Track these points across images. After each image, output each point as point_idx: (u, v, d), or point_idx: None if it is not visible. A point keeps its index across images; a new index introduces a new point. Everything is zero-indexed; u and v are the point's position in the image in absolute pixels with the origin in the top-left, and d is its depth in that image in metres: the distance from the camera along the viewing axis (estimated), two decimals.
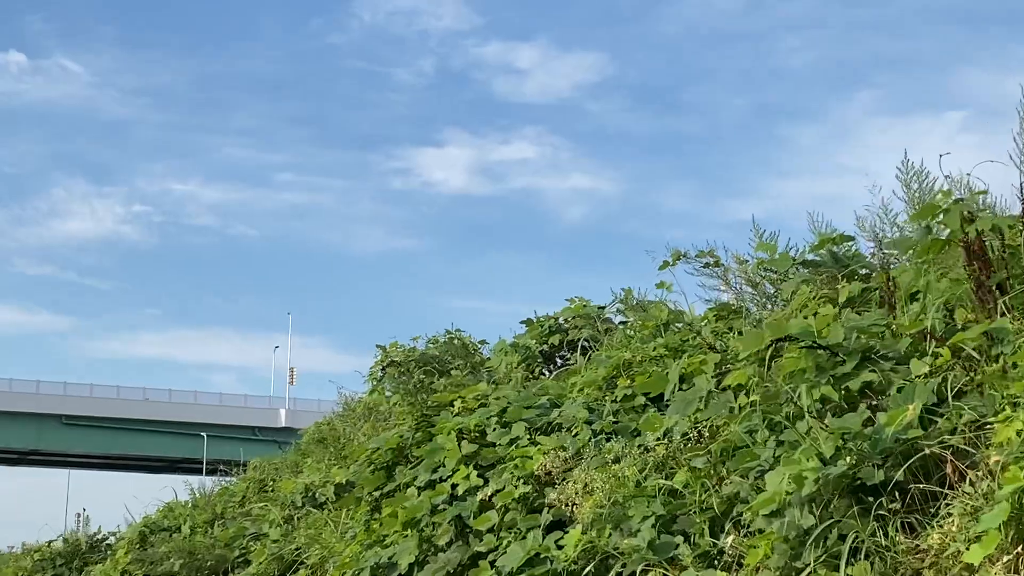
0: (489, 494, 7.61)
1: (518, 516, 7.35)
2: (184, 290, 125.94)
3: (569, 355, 10.95)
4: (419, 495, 8.03)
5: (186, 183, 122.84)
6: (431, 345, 13.14)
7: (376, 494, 8.55)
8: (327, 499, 11.54)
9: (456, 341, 13.19)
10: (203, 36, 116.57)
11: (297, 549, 10.51)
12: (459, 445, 7.98)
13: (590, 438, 7.53)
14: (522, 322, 11.12)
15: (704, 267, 9.15)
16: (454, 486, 7.87)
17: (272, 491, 14.53)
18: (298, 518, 11.38)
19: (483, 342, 13.20)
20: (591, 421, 7.82)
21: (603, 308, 11.11)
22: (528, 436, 7.81)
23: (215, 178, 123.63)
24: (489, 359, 13.10)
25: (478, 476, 7.79)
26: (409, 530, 7.92)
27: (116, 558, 13.71)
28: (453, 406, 8.52)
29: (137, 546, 13.65)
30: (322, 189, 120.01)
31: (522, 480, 7.46)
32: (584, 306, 11.05)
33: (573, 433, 7.73)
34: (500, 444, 7.87)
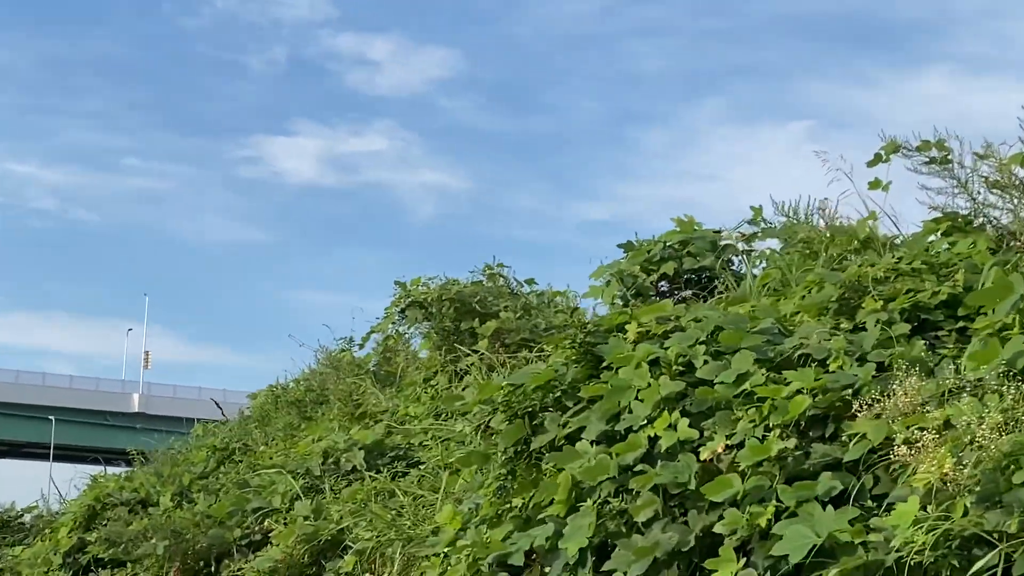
0: (719, 449, 5.28)
1: (772, 481, 5.05)
2: (23, 274, 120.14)
3: (682, 289, 8.67)
4: (593, 452, 5.66)
5: (26, 164, 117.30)
6: (463, 284, 10.72)
7: (511, 452, 6.14)
8: (356, 466, 9.10)
9: (499, 279, 10.79)
10: (48, 15, 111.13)
11: (340, 528, 8.05)
12: (657, 381, 5.63)
13: (873, 372, 5.27)
14: (620, 246, 8.79)
15: (928, 163, 6.93)
16: (652, 439, 5.52)
17: (244, 460, 12.02)
18: (329, 488, 8.91)
19: (530, 281, 10.83)
20: (851, 351, 5.56)
21: (719, 232, 8.84)
22: (763, 372, 5.50)
23: (57, 160, 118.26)
24: (536, 293, 10.76)
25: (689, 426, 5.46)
26: (586, 501, 5.56)
27: (56, 538, 11.05)
28: (624, 331, 6.15)
29: (82, 524, 11.00)
30: (169, 176, 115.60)
31: (781, 428, 5.16)
32: (697, 228, 8.76)
33: (828, 368, 5.46)
34: (721, 382, 5.53)
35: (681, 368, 5.73)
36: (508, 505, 6.13)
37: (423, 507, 7.64)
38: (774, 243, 8.40)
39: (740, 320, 5.85)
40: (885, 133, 6.88)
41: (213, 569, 9.16)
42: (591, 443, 5.72)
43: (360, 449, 9.19)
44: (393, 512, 7.80)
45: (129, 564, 10.51)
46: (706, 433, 5.43)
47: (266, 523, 9.09)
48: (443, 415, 9.44)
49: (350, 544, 7.93)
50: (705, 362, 5.68)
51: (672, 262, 8.53)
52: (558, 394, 6.08)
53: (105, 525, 10.39)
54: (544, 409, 6.08)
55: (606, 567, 5.40)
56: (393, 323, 10.97)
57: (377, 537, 7.64)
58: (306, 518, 8.17)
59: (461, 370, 10.18)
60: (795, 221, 7.77)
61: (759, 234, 8.57)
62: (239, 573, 8.86)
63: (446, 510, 6.71)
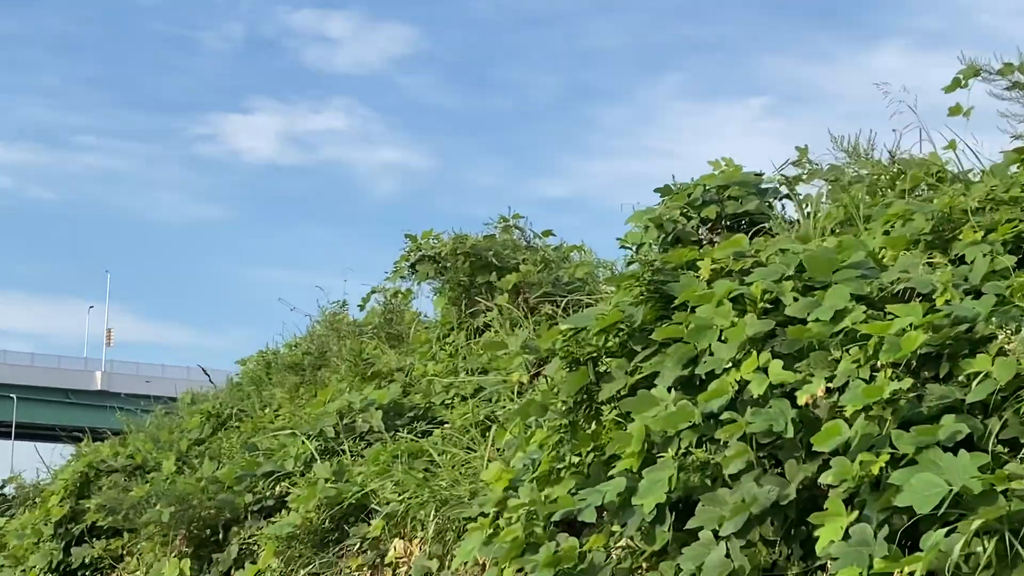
0: (819, 392, 4.76)
1: (884, 427, 4.53)
2: None
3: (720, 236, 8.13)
4: (671, 398, 5.12)
5: None
6: (476, 237, 10.13)
7: (570, 403, 5.58)
8: (373, 427, 8.54)
9: (516, 230, 10.22)
10: None
11: (363, 491, 7.49)
12: (742, 320, 5.09)
13: (995, 304, 4.75)
14: (656, 190, 8.22)
15: (1011, 87, 6.41)
16: (741, 384, 4.99)
17: (241, 425, 11.44)
18: (347, 450, 8.34)
19: (547, 232, 10.26)
20: (958, 284, 5.04)
21: (760, 175, 8.29)
22: (862, 308, 4.96)
23: (11, 138, 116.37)
24: (552, 247, 10.20)
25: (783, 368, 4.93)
26: (662, 453, 5.03)
27: (47, 507, 10.43)
28: (696, 268, 5.59)
29: (74, 493, 10.40)
30: (126, 153, 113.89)
31: (891, 368, 4.63)
32: (738, 171, 8.21)
33: (933, 304, 4.94)
34: (816, 319, 5.00)
35: (766, 306, 5.19)
36: (565, 461, 5.60)
37: (457, 467, 7.09)
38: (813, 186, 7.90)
39: (828, 254, 5.31)
40: (965, 56, 6.35)
41: (221, 537, 8.58)
42: (667, 390, 5.18)
43: (378, 409, 8.62)
44: (424, 473, 7.25)
45: (126, 533, 9.95)
46: (800, 376, 4.90)
47: (278, 488, 8.53)
48: (466, 372, 8.89)
49: (376, 507, 7.38)
50: (795, 299, 5.14)
51: (714, 206, 7.98)
52: (623, 338, 5.53)
53: (101, 492, 9.79)
54: (609, 355, 5.53)
55: (691, 524, 4.88)
56: (403, 277, 10.38)
57: (408, 499, 7.09)
58: (327, 481, 7.59)
59: (478, 327, 9.63)
60: (855, 158, 7.24)
61: (805, 175, 8.02)
62: (251, 540, 8.29)
63: (493, 468, 6.16)
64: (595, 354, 5.50)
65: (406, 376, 9.48)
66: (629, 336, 5.46)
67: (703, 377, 5.12)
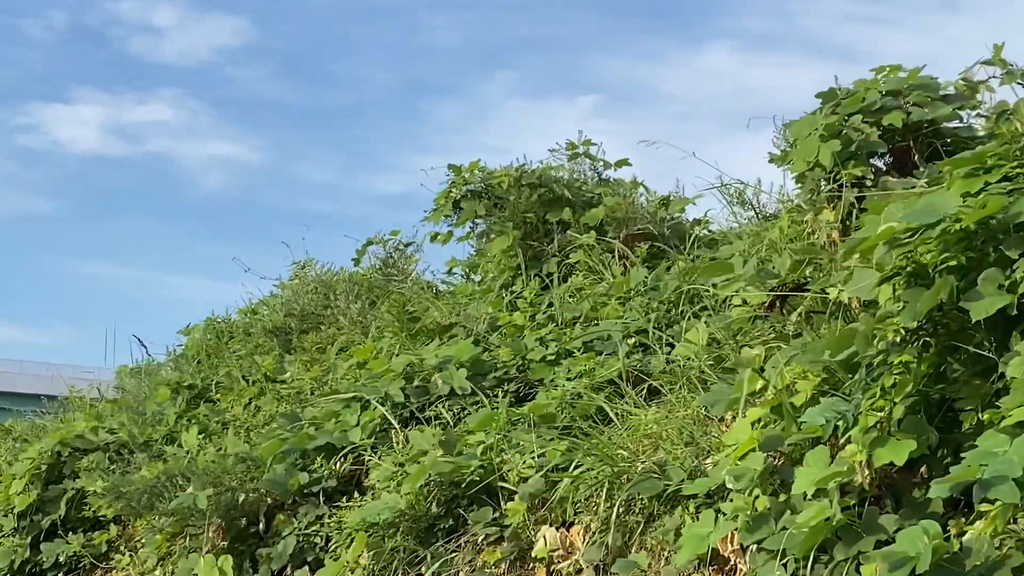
0: None
1: None
2: None
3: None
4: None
5: None
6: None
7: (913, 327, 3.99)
8: (455, 388, 6.86)
9: (584, 157, 8.59)
10: None
11: (490, 465, 5.83)
12: None
13: None
14: (818, 95, 6.67)
15: None
16: None
17: (221, 398, 9.63)
18: (433, 418, 6.66)
19: (623, 161, 8.64)
20: None
21: (935, 79, 6.81)
22: None
23: None
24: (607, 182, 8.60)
25: None
26: None
27: (7, 495, 8.51)
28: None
29: (42, 477, 8.50)
30: None
31: None
32: (916, 73, 6.72)
33: None
34: None
35: None
36: (892, 411, 4.01)
37: (634, 431, 5.46)
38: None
39: None
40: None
41: (263, 527, 6.83)
42: None
43: (460, 367, 6.93)
44: (568, 441, 5.62)
45: (112, 526, 8.11)
46: None
47: (339, 465, 6.80)
48: (561, 322, 7.27)
49: (505, 486, 5.72)
50: None
51: (897, 112, 6.47)
52: (980, 240, 3.96)
53: (89, 474, 7.92)
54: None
55: None
56: (447, 216, 8.68)
57: (561, 475, 5.45)
58: (438, 453, 5.90)
59: (549, 273, 8.01)
60: None
61: (1005, 76, 6.56)
62: (309, 531, 6.56)
63: (738, 428, 4.55)
64: (948, 262, 3.92)
65: (469, 331, 7.80)
66: (998, 237, 3.90)
67: None
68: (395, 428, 6.66)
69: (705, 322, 6.09)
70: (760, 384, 4.57)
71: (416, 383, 7.04)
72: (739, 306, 5.60)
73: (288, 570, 6.52)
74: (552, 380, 6.70)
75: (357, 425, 6.86)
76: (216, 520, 6.71)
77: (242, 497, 6.77)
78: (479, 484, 5.82)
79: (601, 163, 8.56)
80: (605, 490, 5.25)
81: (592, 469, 5.29)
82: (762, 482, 4.33)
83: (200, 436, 8.31)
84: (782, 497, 4.32)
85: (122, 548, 7.99)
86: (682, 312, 6.61)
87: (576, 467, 5.42)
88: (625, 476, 5.23)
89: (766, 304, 5.36)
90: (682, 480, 4.97)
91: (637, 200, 8.06)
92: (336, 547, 6.31)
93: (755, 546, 4.38)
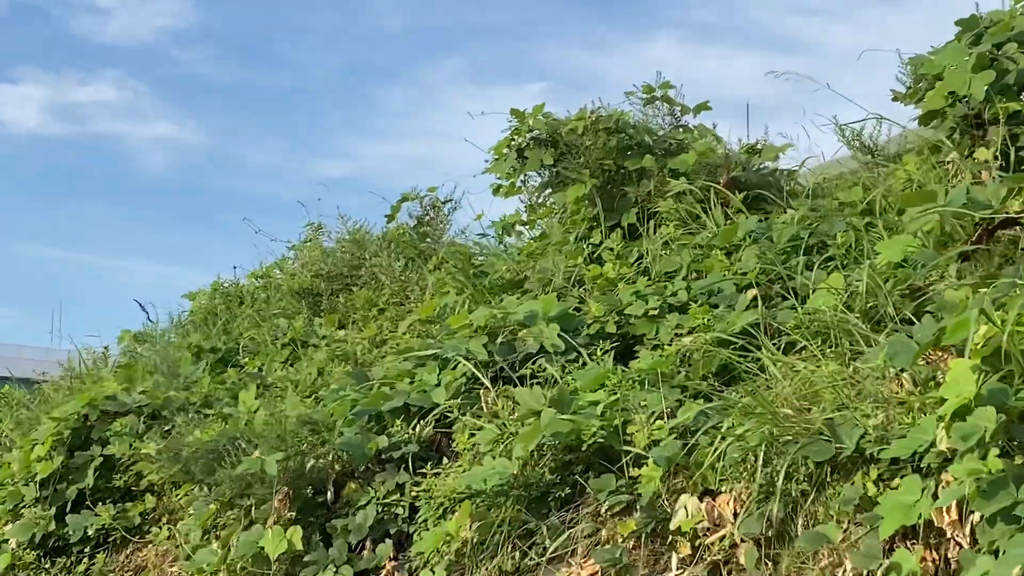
0: None
1: None
2: None
3: None
4: None
5: None
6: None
7: None
8: (547, 346, 6.20)
9: (663, 102, 7.92)
10: None
11: (611, 426, 5.17)
12: None
13: None
14: (958, 22, 6.03)
15: None
16: None
17: (248, 361, 8.98)
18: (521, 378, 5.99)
19: (703, 106, 7.97)
20: None
21: None
22: None
23: None
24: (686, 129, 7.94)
25: None
26: None
27: (28, 461, 7.79)
28: None
29: (67, 444, 7.78)
30: None
31: None
32: None
33: None
34: None
35: None
36: None
37: (798, 385, 4.81)
38: None
39: None
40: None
41: (332, 497, 6.16)
42: None
43: (550, 323, 6.27)
44: (757, 400, 4.98)
45: (149, 496, 7.43)
46: None
47: (419, 429, 6.14)
48: (656, 276, 6.62)
49: (631, 449, 5.08)
50: None
51: None
52: None
53: (106, 443, 7.23)
54: None
55: None
56: (513, 168, 7.98)
57: (736, 432, 4.80)
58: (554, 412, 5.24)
59: (630, 225, 7.36)
60: None
61: None
62: (391, 501, 5.89)
63: (957, 379, 3.91)
64: None
65: (544, 284, 7.14)
66: None
67: None
68: (486, 387, 5.99)
69: (847, 270, 5.46)
70: (979, 328, 3.92)
71: (500, 340, 6.37)
72: (916, 247, 4.96)
73: (367, 543, 5.85)
74: (655, 336, 6.07)
75: (438, 385, 6.19)
76: (283, 488, 6.02)
77: (310, 463, 6.08)
78: (598, 447, 5.17)
79: (679, 108, 7.88)
80: (762, 454, 4.60)
81: (743, 430, 4.64)
82: (993, 442, 3.70)
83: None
84: (1018, 459, 3.69)
85: (161, 521, 7.30)
86: (808, 262, 5.97)
87: (716, 428, 4.78)
88: (784, 438, 4.58)
89: (971, 239, 4.73)
90: (861, 440, 4.33)
91: (727, 147, 7.42)
92: (424, 518, 5.64)
93: (979, 517, 3.76)
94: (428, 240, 10.09)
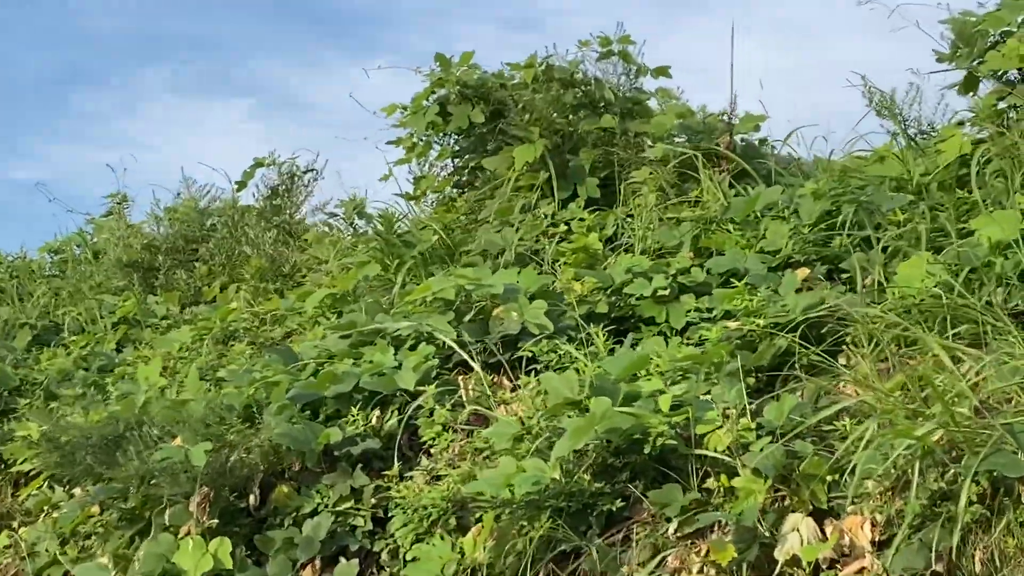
0: None
1: None
2: None
3: None
4: None
5: None
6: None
7: None
8: (528, 327, 5.06)
9: (619, 56, 6.85)
10: None
11: (678, 420, 4.07)
12: None
13: None
14: None
15: None
16: None
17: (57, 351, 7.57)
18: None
19: (663, 70, 6.92)
20: None
21: None
22: None
23: None
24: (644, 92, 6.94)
25: None
26: None
27: None
28: None
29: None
30: None
31: None
32: None
33: None
34: None
35: None
36: None
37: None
38: None
39: None
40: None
41: (256, 501, 4.82)
42: None
43: (532, 300, 5.13)
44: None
45: None
46: None
47: (379, 420, 4.87)
48: (655, 248, 5.57)
49: (708, 453, 3.99)
50: None
51: None
52: None
53: None
54: None
55: None
56: (432, 124, 6.76)
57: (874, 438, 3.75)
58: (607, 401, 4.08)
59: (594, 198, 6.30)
60: None
61: None
62: (348, 509, 4.61)
63: None
64: None
65: (493, 258, 5.99)
66: None
67: None
68: (464, 372, 4.80)
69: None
70: None
71: (468, 318, 5.17)
72: None
73: (316, 563, 4.55)
74: (666, 320, 5.00)
75: (398, 367, 4.94)
76: (203, 489, 4.65)
77: (233, 457, 4.74)
78: (659, 449, 4.05)
79: (636, 68, 6.83)
80: (916, 466, 3.58)
81: (887, 435, 3.62)
82: None
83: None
84: None
85: None
86: (852, 241, 5.04)
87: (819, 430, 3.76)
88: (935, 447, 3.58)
89: None
90: None
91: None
92: (399, 531, 4.39)
93: None
94: (285, 213, 8.82)
